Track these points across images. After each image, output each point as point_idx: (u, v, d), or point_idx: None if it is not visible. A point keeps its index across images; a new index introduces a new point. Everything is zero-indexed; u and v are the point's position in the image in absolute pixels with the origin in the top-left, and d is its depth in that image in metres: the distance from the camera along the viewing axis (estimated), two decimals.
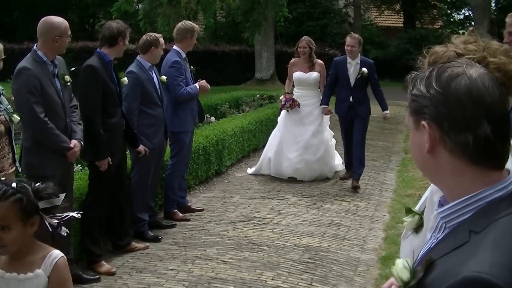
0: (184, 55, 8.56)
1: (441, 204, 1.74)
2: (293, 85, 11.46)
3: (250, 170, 11.70)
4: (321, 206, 9.45)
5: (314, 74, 11.10)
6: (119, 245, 7.37)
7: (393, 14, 46.94)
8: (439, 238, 1.71)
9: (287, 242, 7.80)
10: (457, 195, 1.65)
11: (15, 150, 6.11)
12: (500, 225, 1.54)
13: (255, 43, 29.49)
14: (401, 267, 1.71)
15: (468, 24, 45.33)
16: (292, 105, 11.02)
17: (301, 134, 11.11)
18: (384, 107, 10.88)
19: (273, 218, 8.74)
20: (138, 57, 7.82)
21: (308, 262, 7.13)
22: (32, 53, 5.95)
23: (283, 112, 11.35)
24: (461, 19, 48.12)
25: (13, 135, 5.44)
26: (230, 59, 30.71)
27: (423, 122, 1.65)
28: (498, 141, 1.60)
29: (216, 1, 24.50)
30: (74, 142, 6.10)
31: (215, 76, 26.65)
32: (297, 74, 11.17)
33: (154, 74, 7.83)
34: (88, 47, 27.91)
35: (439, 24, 47.04)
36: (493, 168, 1.63)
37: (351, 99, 10.59)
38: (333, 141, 11.62)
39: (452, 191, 1.67)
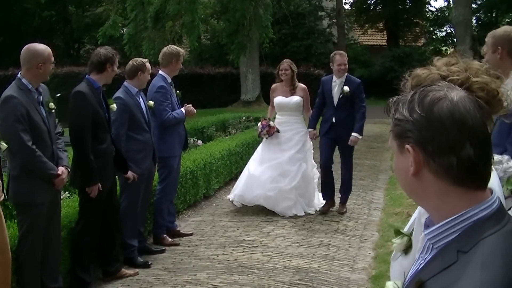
0: (169, 80, 8.58)
1: (427, 225, 1.76)
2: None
3: (231, 196, 10.62)
4: (310, 227, 9.45)
5: (295, 98, 10.37)
6: (109, 271, 7.32)
7: (376, 33, 47.37)
8: (427, 259, 1.72)
9: (277, 264, 7.78)
10: (443, 216, 1.67)
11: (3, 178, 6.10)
12: (487, 243, 1.56)
13: (241, 65, 29.62)
14: None
15: (450, 41, 45.78)
16: (270, 131, 10.33)
17: (276, 159, 10.33)
18: (356, 129, 9.97)
19: (263, 241, 8.72)
20: (125, 83, 7.83)
21: (298, 283, 7.11)
22: (16, 81, 5.95)
23: (263, 140, 10.67)
24: (443, 36, 48.62)
25: (1, 163, 5.43)
26: (215, 82, 30.78)
27: (408, 146, 1.67)
28: (480, 162, 1.63)
29: (200, 25, 24.58)
30: (61, 169, 6.09)
31: (201, 99, 26.73)
32: (278, 99, 10.49)
33: (141, 99, 7.84)
34: (73, 72, 27.95)
35: (422, 41, 47.47)
36: (477, 189, 1.65)
37: (333, 119, 10.04)
38: (316, 174, 10.66)
39: (438, 212, 1.69)
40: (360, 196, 11.55)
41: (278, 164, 10.26)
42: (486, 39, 4.95)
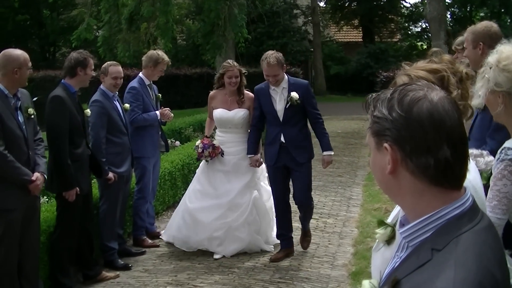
0: (147, 82, 8.57)
1: (402, 223, 1.78)
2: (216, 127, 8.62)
3: (164, 237, 8.74)
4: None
5: (242, 112, 8.21)
6: (89, 275, 7.30)
7: (352, 30, 47.60)
8: (402, 257, 1.75)
9: (257, 263, 7.81)
10: (418, 215, 1.69)
11: None
12: (461, 241, 1.59)
13: (217, 64, 29.51)
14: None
15: (425, 37, 46.07)
16: (213, 153, 8.18)
17: (224, 193, 8.22)
18: (325, 147, 7.92)
19: None
20: (101, 86, 7.80)
21: (279, 282, 7.14)
22: None
23: (202, 163, 8.52)
24: (418, 31, 48.94)
25: None
26: (192, 82, 30.68)
27: (386, 145, 1.69)
28: (457, 163, 1.66)
29: (174, 26, 24.52)
30: (36, 175, 6.03)
31: (178, 99, 26.71)
32: (218, 112, 8.26)
33: (117, 102, 7.83)
34: (49, 76, 27.73)
35: (398, 37, 47.75)
36: (452, 189, 1.68)
37: (282, 138, 7.75)
38: (271, 201, 8.37)
39: (412, 210, 1.71)
40: (339, 193, 11.59)
41: (225, 199, 8.19)
42: (466, 35, 5.00)
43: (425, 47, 45.92)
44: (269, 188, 8.32)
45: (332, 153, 8.03)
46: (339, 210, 10.41)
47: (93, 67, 7.10)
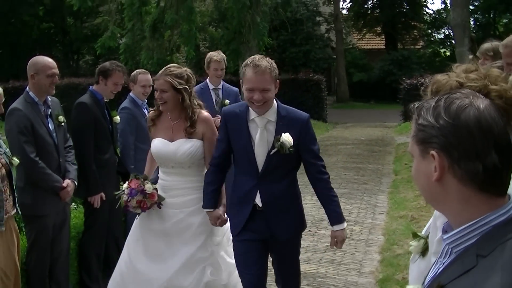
0: (212, 86, 8.57)
1: (444, 230, 1.78)
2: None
3: None
4: (315, 232, 9.45)
5: (188, 145, 5.38)
6: None
7: (374, 37, 47.55)
8: (445, 263, 1.75)
9: None
10: (463, 221, 1.69)
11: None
12: (506, 248, 1.59)
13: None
14: None
15: (449, 43, 45.94)
16: (144, 204, 5.35)
17: (158, 269, 5.40)
18: (334, 218, 5.02)
19: None
20: (130, 94, 7.86)
21: None
22: (24, 94, 6.03)
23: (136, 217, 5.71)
24: (441, 38, 48.82)
25: (13, 177, 5.48)
26: None
27: (433, 152, 1.69)
28: (504, 170, 1.66)
29: (197, 34, 24.62)
30: (67, 182, 6.11)
31: None
32: (155, 144, 5.56)
33: (146, 110, 7.87)
34: (73, 83, 27.91)
35: (421, 44, 47.64)
36: (498, 195, 1.68)
37: (258, 199, 4.93)
38: (235, 277, 5.38)
39: (457, 217, 1.72)
40: (364, 200, 11.57)
41: (161, 278, 5.34)
42: (501, 50, 4.91)
43: (448, 54, 45.78)
44: (232, 262, 5.37)
45: (345, 225, 5.08)
46: (365, 217, 10.38)
47: (118, 81, 6.99)
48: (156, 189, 5.44)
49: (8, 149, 5.59)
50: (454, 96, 1.70)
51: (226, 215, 5.29)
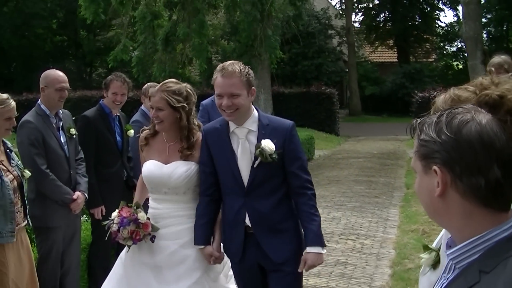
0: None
1: (448, 245, 1.78)
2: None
3: None
4: (326, 245, 9.41)
5: (184, 167, 4.80)
6: None
7: (387, 50, 47.58)
8: (449, 279, 1.75)
9: None
10: (466, 236, 1.69)
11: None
12: (508, 264, 1.58)
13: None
14: None
15: (461, 56, 45.89)
16: (137, 234, 4.73)
17: None
18: (311, 239, 4.55)
19: None
20: (142, 107, 7.90)
21: None
22: (36, 106, 6.10)
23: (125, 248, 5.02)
24: (454, 51, 48.74)
25: (25, 190, 5.51)
26: None
27: (435, 167, 1.68)
28: (507, 184, 1.65)
29: (208, 48, 24.69)
30: (77, 194, 6.15)
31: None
32: (147, 167, 4.93)
33: None
34: (86, 96, 28.13)
35: (433, 57, 47.60)
36: (501, 210, 1.68)
37: (247, 220, 4.52)
38: None
39: (460, 232, 1.71)
40: (376, 214, 11.53)
41: None
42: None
43: (460, 67, 45.70)
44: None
45: (323, 251, 4.67)
46: (376, 231, 10.35)
47: (116, 90, 6.96)
48: (149, 218, 4.81)
49: (20, 162, 5.64)
50: (456, 111, 1.70)
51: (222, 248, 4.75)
